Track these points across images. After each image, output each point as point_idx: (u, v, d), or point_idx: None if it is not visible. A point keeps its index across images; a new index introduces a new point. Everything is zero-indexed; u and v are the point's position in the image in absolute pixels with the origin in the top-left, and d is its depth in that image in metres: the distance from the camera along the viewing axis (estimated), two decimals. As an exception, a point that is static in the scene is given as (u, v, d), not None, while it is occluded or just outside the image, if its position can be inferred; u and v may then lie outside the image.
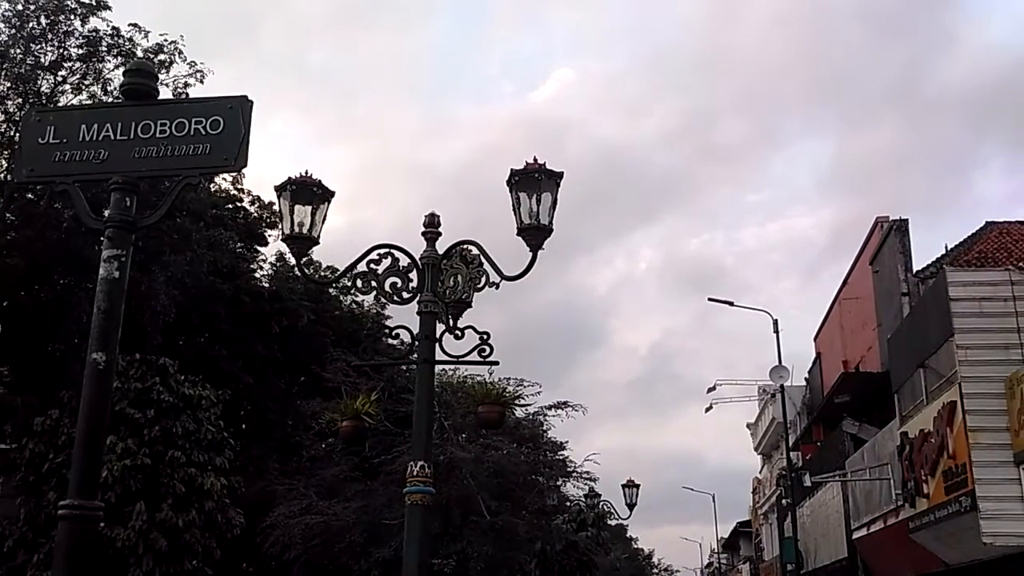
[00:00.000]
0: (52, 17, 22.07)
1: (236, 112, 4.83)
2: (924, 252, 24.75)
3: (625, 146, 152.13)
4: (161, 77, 20.38)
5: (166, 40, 22.86)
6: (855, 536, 22.81)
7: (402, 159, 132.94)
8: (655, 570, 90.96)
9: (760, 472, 48.11)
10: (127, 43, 22.66)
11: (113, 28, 22.64)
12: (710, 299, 32.50)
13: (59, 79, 22.50)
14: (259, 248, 31.21)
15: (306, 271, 9.28)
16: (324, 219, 6.75)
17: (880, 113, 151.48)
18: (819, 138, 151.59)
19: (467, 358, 7.21)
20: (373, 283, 7.16)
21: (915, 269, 23.08)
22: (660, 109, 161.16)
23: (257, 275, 30.92)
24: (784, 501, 31.03)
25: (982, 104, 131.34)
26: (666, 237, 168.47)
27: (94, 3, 22.41)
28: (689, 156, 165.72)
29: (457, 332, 7.14)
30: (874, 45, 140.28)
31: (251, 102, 4.86)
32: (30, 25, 21.96)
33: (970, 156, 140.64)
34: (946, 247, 23.72)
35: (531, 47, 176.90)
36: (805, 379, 35.84)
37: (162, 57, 22.50)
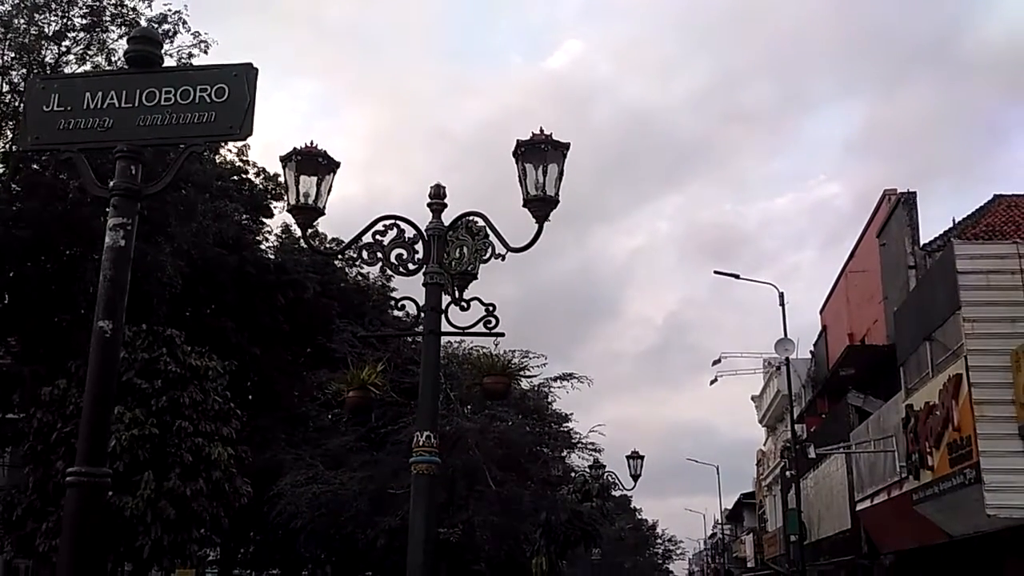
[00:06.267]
0: (55, -14, 21.89)
1: (241, 79, 4.79)
2: (946, 221, 24.23)
3: (651, 109, 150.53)
4: (165, 47, 20.22)
5: (170, 10, 22.70)
6: (859, 508, 22.90)
7: (422, 122, 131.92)
8: (659, 540, 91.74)
9: (764, 444, 48.29)
10: (131, 13, 22.49)
11: (117, -3, 22.45)
12: (716, 272, 32.62)
13: (63, 49, 22.35)
14: (264, 220, 31.22)
15: (312, 242, 9.29)
16: (330, 190, 6.72)
17: (913, 75, 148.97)
18: (849, 101, 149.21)
19: (473, 329, 7.21)
20: (379, 254, 7.14)
21: (923, 242, 22.98)
22: (688, 71, 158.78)
23: (263, 247, 30.94)
24: (788, 473, 31.17)
25: (1018, 67, 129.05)
26: (688, 205, 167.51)
27: (97, -28, 22.21)
28: (716, 120, 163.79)
29: (463, 303, 7.14)
30: (910, 3, 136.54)
31: (256, 69, 4.82)
32: (33, -6, 21.80)
33: (1005, 121, 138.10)
34: (954, 220, 23.63)
35: (556, 7, 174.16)
36: (811, 352, 35.86)
37: (166, 27, 22.31)
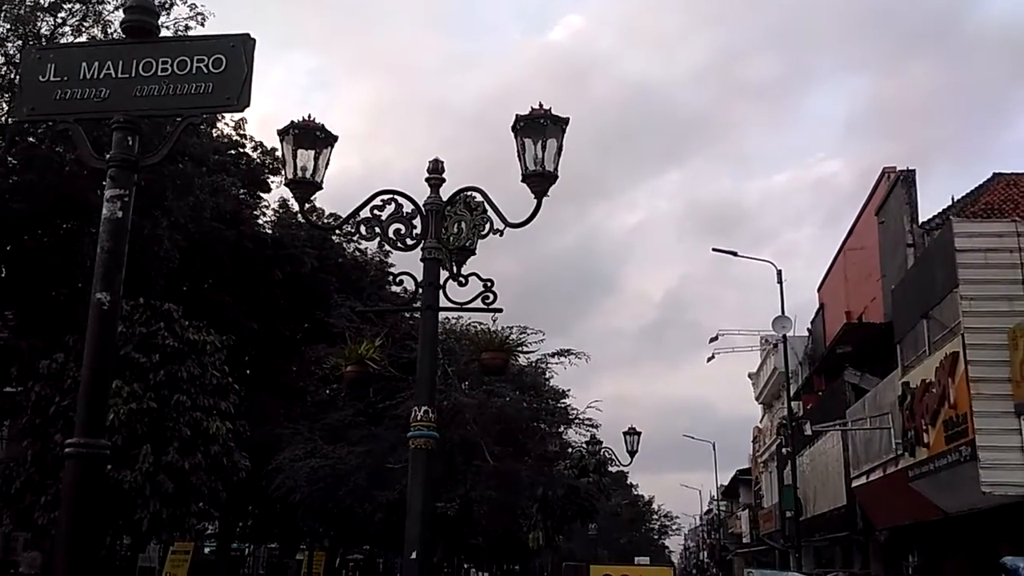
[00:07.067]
0: (51, -44, 21.67)
1: (238, 50, 4.74)
2: (945, 199, 24.19)
3: (652, 84, 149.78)
4: (161, 19, 20.01)
5: (166, -20, 22.47)
6: (854, 484, 23.04)
7: (421, 96, 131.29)
8: (655, 516, 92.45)
9: (761, 421, 48.50)
10: (127, -17, 22.31)
11: (112, -33, 22.22)
12: (714, 249, 32.61)
13: (59, 21, 22.16)
14: (262, 194, 31.07)
15: (309, 217, 9.24)
16: (327, 164, 6.68)
17: (916, 53, 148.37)
18: (852, 79, 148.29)
19: (471, 305, 7.20)
20: (377, 229, 7.11)
21: (921, 220, 22.96)
22: (690, 44, 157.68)
23: (260, 221, 30.83)
24: (784, 450, 31.31)
25: (1021, 47, 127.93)
26: (688, 181, 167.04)
27: (92, -58, 21.98)
28: (717, 96, 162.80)
29: (461, 279, 7.12)
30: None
31: (253, 40, 4.77)
32: (29, -36, 21.57)
33: (1006, 100, 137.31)
34: (953, 198, 23.60)
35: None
36: (808, 329, 35.93)
37: (162, -2, 22.14)
